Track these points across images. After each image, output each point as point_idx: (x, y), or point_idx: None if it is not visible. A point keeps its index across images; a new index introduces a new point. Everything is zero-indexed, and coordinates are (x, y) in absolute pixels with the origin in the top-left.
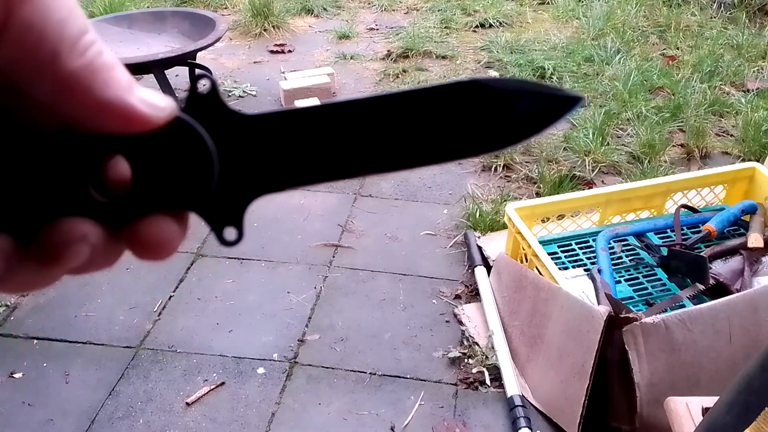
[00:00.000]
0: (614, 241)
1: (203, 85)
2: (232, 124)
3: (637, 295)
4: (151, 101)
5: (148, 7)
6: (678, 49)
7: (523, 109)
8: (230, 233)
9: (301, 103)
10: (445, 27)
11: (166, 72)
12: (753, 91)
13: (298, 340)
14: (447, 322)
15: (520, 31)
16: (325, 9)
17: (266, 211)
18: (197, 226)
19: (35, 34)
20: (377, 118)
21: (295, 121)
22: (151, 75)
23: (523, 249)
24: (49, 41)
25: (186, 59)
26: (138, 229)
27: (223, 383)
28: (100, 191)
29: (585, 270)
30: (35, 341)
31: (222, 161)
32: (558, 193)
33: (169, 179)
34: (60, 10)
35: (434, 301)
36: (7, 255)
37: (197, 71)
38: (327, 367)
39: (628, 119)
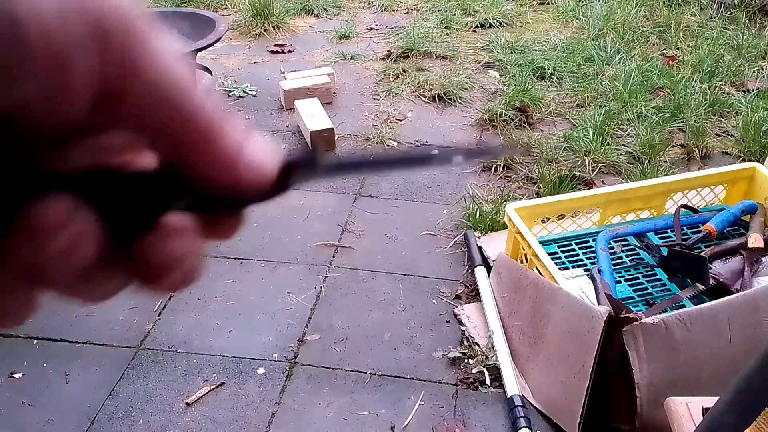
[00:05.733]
0: (614, 241)
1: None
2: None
3: (637, 295)
4: (264, 160)
5: (148, 7)
6: (678, 49)
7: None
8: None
9: (301, 104)
10: (445, 27)
11: None
12: (753, 91)
13: (298, 340)
14: (447, 322)
15: (520, 31)
16: (325, 9)
17: (266, 211)
18: None
19: (161, 93)
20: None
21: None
22: None
23: (523, 249)
24: (172, 98)
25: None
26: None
27: (223, 383)
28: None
29: (585, 270)
30: (35, 341)
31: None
32: (558, 193)
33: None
34: (175, 62)
35: (434, 301)
36: (100, 246)
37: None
38: (327, 367)
39: (628, 119)
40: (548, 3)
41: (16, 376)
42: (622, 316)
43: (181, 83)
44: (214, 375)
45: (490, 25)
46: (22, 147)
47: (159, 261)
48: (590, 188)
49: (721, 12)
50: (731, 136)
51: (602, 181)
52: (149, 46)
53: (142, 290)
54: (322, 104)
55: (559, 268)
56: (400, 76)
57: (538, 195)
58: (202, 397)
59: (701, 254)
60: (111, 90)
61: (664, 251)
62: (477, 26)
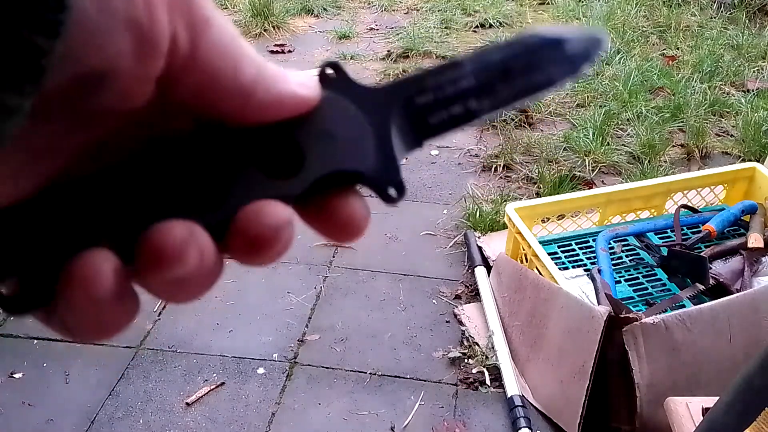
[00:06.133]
0: (614, 241)
1: (330, 72)
2: (366, 96)
3: (637, 295)
4: (304, 81)
5: None
6: (678, 49)
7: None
8: (392, 191)
9: None
10: (445, 27)
11: None
12: (753, 91)
13: (298, 340)
14: (447, 322)
15: (521, 31)
16: (325, 9)
17: None
18: None
19: (222, 52)
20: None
21: (415, 85)
22: None
23: (523, 249)
24: (230, 57)
25: None
26: (333, 210)
27: (223, 383)
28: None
29: (585, 270)
30: (35, 341)
31: (370, 128)
32: (558, 193)
33: (330, 155)
34: (227, 22)
35: (434, 301)
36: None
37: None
38: (327, 367)
39: (628, 119)
40: (548, 3)
41: (16, 376)
42: (622, 316)
43: (234, 35)
44: (214, 375)
45: (490, 25)
46: (112, 116)
47: (261, 231)
48: (590, 188)
49: (721, 12)
50: (731, 136)
51: (602, 181)
52: (210, 14)
53: (245, 264)
54: None
55: (559, 268)
56: (400, 76)
57: (538, 195)
58: (202, 397)
59: (701, 254)
60: (174, 65)
61: (664, 251)
62: (477, 26)
